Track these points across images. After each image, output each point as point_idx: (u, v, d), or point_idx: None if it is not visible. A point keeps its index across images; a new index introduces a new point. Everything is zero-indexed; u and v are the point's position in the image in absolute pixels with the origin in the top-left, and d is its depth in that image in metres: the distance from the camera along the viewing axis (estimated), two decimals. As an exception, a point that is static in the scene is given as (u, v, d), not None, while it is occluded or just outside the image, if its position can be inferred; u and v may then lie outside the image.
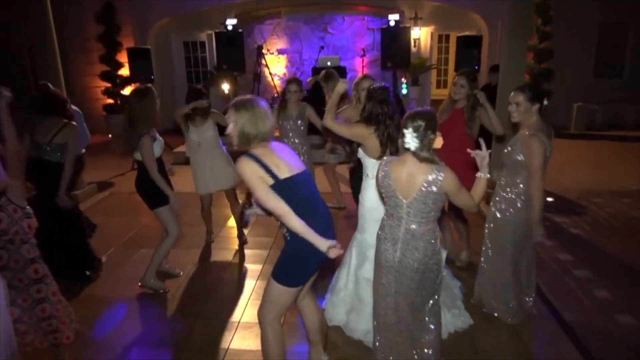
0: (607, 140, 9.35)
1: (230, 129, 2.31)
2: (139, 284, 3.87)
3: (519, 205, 3.14)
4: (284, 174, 2.26)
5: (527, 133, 3.05)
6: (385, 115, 3.02)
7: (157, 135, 3.72)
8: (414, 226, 2.38)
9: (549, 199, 5.95)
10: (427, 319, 2.56)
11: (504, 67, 5.77)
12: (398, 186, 2.36)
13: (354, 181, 4.10)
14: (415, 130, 2.23)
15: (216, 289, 3.96)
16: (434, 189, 2.28)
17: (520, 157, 3.07)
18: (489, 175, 2.39)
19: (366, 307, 3.09)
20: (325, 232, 2.30)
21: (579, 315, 3.41)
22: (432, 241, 2.40)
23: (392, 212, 2.45)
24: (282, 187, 2.23)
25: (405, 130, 2.26)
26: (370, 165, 3.13)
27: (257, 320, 2.52)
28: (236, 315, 3.52)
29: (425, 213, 2.35)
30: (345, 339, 3.17)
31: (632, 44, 10.57)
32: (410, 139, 2.24)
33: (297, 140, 4.86)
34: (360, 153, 3.19)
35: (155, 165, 3.59)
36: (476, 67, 8.81)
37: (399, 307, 2.49)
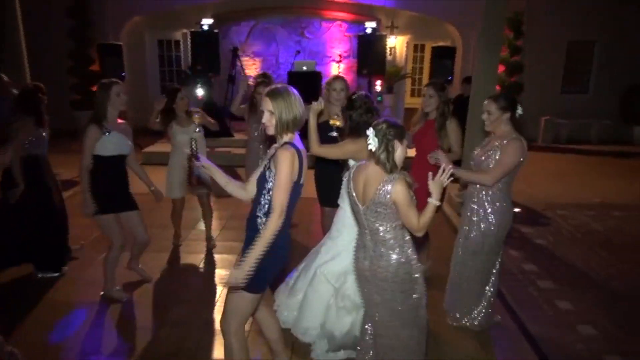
0: (573, 154, 9.65)
1: (267, 118, 2.30)
2: (101, 293, 3.75)
3: (489, 212, 3.16)
4: (300, 178, 2.30)
5: (509, 138, 3.05)
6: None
7: (117, 132, 3.45)
8: (375, 233, 2.35)
9: (516, 210, 6.08)
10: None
11: (475, 79, 5.89)
12: (357, 192, 2.37)
13: (322, 184, 4.04)
14: (378, 131, 2.24)
15: (183, 295, 3.87)
16: (383, 199, 2.25)
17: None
18: (438, 203, 2.28)
19: (306, 303, 3.08)
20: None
21: (543, 326, 3.48)
22: (397, 249, 2.33)
23: (358, 219, 2.45)
24: (292, 189, 2.26)
25: (368, 131, 2.27)
26: None
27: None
28: (203, 323, 3.44)
29: (381, 220, 2.31)
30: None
31: (598, 61, 10.96)
32: (372, 139, 2.25)
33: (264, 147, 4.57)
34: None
35: (88, 157, 3.36)
36: (449, 78, 8.99)
37: (379, 321, 2.45)
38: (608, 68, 10.76)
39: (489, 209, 3.16)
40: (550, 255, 4.76)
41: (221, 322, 2.46)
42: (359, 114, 3.00)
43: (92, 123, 3.38)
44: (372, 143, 2.25)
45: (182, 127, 4.31)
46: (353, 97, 3.07)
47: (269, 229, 2.18)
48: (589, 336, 3.38)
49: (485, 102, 3.16)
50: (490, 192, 3.15)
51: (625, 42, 10.44)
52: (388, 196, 2.23)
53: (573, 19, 10.34)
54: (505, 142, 3.05)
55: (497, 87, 9.29)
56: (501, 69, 9.74)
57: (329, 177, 3.66)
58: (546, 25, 10.31)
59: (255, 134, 4.72)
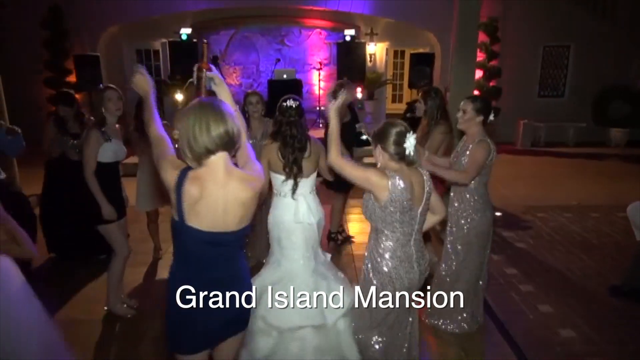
0: (550, 157, 9.80)
1: None
2: (105, 307, 3.65)
3: (473, 209, 3.22)
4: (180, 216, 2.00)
5: (476, 140, 3.15)
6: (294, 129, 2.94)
7: (116, 140, 3.42)
8: (420, 231, 2.43)
9: (497, 214, 6.14)
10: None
11: (454, 84, 5.96)
12: (414, 197, 2.30)
13: None
14: (414, 139, 2.28)
15: (162, 310, 3.79)
16: (430, 189, 2.38)
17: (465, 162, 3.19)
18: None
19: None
20: None
21: (524, 330, 3.50)
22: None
23: (403, 229, 2.33)
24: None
25: (409, 135, 2.23)
26: (279, 184, 2.94)
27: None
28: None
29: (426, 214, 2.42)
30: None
31: (573, 65, 11.18)
32: (412, 145, 2.24)
33: None
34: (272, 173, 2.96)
35: (90, 164, 3.27)
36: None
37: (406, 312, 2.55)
38: (583, 72, 10.97)
39: (471, 210, 3.24)
40: (530, 259, 4.80)
41: None
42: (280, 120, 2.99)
43: (92, 129, 3.31)
44: (412, 149, 2.24)
45: None
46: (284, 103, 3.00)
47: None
48: (569, 339, 3.41)
49: (462, 101, 3.25)
50: (468, 196, 3.24)
51: (598, 46, 10.67)
52: (430, 182, 2.38)
53: (548, 24, 10.54)
54: (473, 145, 3.16)
55: (477, 92, 9.42)
56: (480, 73, 9.88)
57: None
58: (522, 30, 10.50)
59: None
